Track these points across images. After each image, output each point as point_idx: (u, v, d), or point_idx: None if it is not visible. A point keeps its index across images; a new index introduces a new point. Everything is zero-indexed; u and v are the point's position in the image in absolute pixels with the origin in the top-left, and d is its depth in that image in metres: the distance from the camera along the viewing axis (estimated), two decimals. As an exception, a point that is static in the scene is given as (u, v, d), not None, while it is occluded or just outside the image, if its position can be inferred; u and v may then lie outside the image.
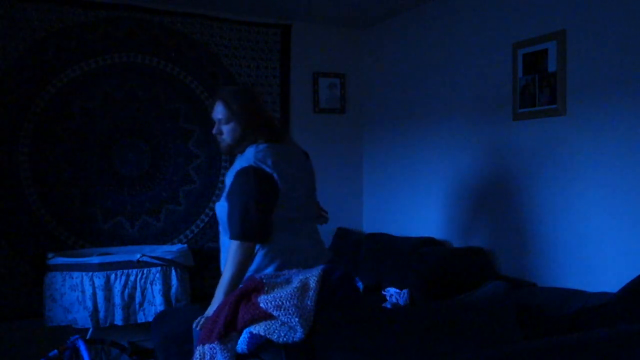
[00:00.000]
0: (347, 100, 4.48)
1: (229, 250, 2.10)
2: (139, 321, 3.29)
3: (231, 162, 2.47)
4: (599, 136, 2.61)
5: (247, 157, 2.13)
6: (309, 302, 1.87)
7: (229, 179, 2.18)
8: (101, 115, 3.64)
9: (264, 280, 2.01)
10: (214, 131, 2.25)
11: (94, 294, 3.18)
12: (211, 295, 2.13)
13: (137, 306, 3.28)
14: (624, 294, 2.17)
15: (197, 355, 1.97)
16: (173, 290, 3.37)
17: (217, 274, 4.06)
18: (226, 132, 2.21)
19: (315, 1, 3.78)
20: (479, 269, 3.04)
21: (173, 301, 3.36)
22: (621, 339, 1.73)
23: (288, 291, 1.90)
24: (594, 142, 2.64)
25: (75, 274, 3.18)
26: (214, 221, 4.01)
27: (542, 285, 2.85)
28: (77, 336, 2.90)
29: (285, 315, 1.84)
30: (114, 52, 3.66)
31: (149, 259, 3.30)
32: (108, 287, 3.21)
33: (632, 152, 2.47)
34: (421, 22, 3.85)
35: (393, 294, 3.28)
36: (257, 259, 2.16)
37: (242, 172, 2.09)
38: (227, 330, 1.96)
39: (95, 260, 3.23)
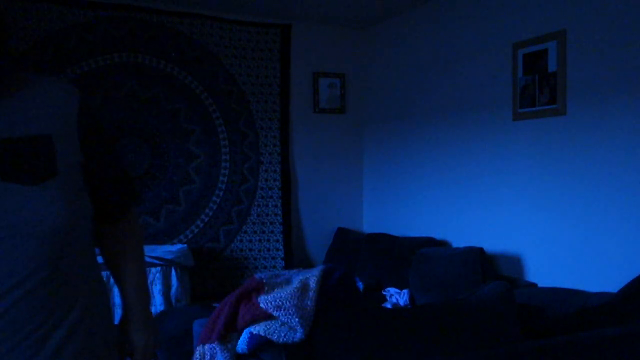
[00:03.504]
0: (347, 100, 4.48)
1: (136, 225, 1.31)
2: (138, 321, 3.29)
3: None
4: (599, 136, 2.61)
5: (66, 86, 1.06)
6: (309, 302, 1.87)
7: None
8: (101, 115, 3.64)
9: (264, 280, 2.01)
10: None
11: (94, 294, 3.18)
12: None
13: (137, 306, 3.28)
14: (624, 294, 2.17)
15: (197, 355, 1.97)
16: (173, 290, 3.36)
17: (217, 274, 4.05)
18: None
19: (315, 1, 3.77)
20: (479, 269, 3.03)
21: (173, 301, 3.36)
22: (621, 339, 1.73)
23: (288, 291, 1.90)
24: (594, 142, 2.64)
25: (76, 274, 3.18)
26: (214, 221, 4.01)
27: (542, 286, 2.86)
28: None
29: (286, 315, 1.84)
30: (114, 52, 3.66)
31: (148, 259, 3.29)
32: (108, 287, 3.21)
33: (632, 152, 2.47)
34: (421, 22, 3.85)
35: (393, 294, 3.28)
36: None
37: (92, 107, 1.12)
38: (227, 330, 1.96)
39: (95, 260, 3.23)
